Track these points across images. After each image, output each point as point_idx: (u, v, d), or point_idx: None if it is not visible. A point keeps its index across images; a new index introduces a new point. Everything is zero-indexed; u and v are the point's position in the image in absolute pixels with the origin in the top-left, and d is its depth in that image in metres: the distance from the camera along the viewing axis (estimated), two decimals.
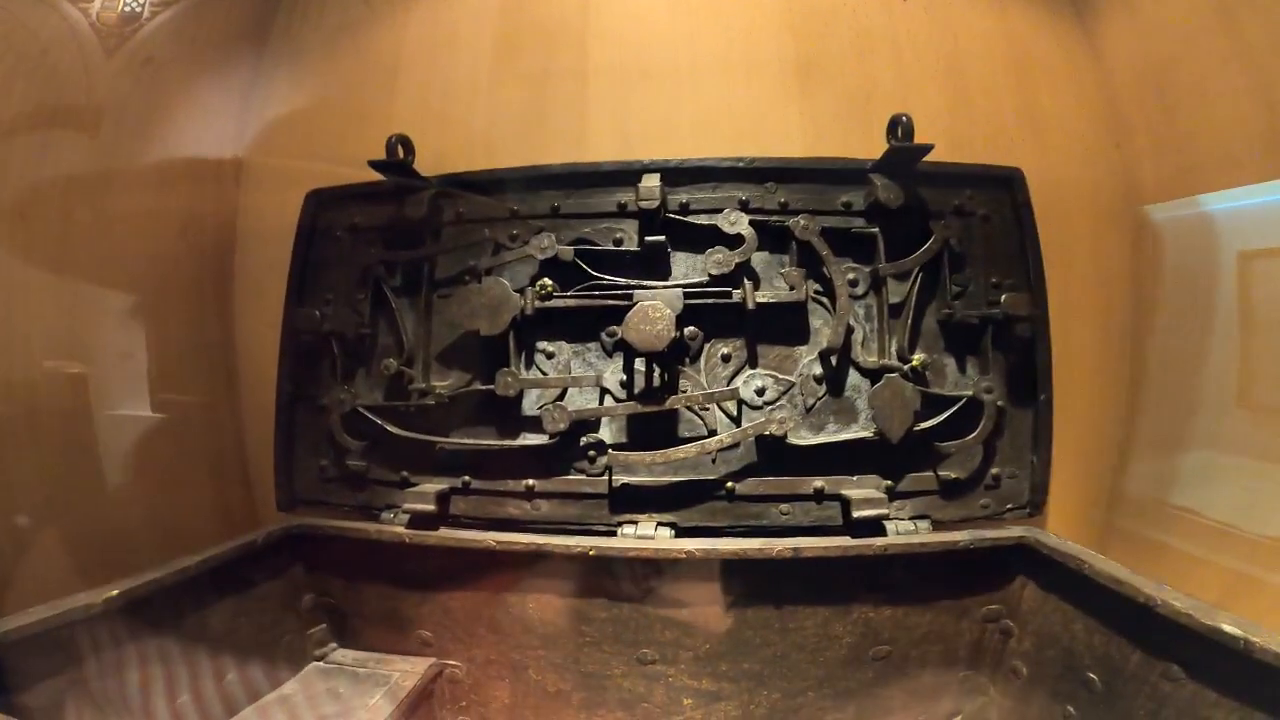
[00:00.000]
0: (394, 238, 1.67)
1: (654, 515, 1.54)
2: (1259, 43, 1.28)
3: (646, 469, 1.54)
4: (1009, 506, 1.53)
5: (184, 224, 1.71)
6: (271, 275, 1.73)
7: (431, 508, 1.51)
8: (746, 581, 1.40)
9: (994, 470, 1.53)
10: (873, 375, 1.53)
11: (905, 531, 1.44)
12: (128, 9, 1.56)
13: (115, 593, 1.17)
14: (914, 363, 1.50)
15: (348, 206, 1.70)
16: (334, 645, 1.59)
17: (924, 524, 1.47)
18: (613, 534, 1.51)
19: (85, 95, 1.52)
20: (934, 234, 1.52)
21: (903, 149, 1.47)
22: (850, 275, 1.55)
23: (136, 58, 1.58)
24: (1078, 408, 1.59)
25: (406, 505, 1.52)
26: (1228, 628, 0.97)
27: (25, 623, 1.05)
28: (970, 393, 1.51)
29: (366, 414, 1.61)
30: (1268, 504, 1.28)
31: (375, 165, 1.56)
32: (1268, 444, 1.35)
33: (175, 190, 1.71)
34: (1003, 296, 1.50)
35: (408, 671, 1.48)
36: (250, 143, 1.79)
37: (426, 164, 1.63)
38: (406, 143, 1.59)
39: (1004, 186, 1.57)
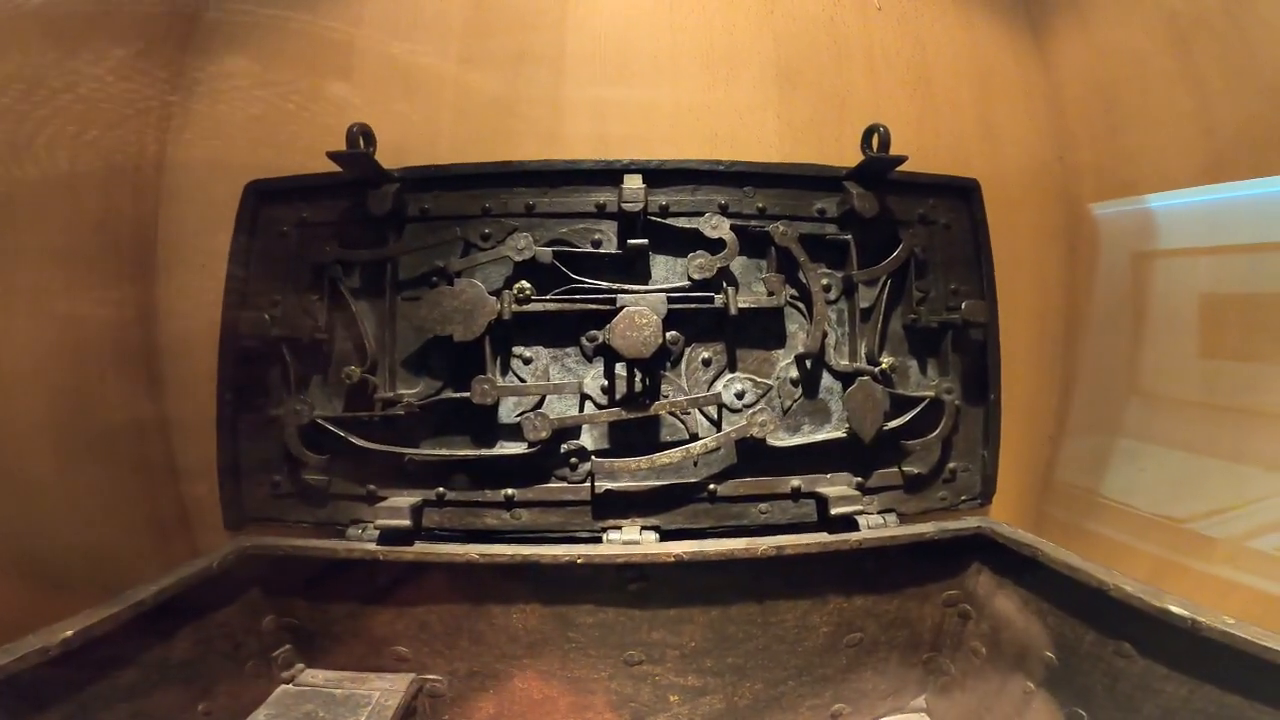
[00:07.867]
0: (351, 235, 1.54)
1: (637, 519, 1.54)
2: (1207, 69, 1.36)
3: (630, 475, 1.53)
4: (963, 498, 1.66)
5: (100, 217, 1.49)
6: (200, 273, 1.56)
7: (407, 523, 1.43)
8: (731, 579, 1.43)
9: (951, 465, 1.65)
10: (844, 378, 1.59)
11: (876, 526, 1.52)
12: None
13: (70, 633, 1.04)
14: (883, 365, 1.57)
15: (294, 200, 1.55)
16: (301, 666, 1.49)
17: (891, 517, 1.56)
18: (598, 540, 1.50)
19: None
20: (902, 242, 1.59)
21: (878, 160, 1.51)
22: (824, 281, 1.59)
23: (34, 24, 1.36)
24: (1017, 405, 1.72)
25: (379, 521, 1.44)
26: (1176, 609, 1.06)
27: None
28: (932, 393, 1.60)
29: (327, 425, 1.50)
30: (1188, 492, 1.46)
31: (334, 157, 1.42)
32: (1182, 435, 1.53)
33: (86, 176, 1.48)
34: (963, 304, 1.59)
35: (387, 690, 1.42)
36: (178, 125, 1.58)
37: (386, 155, 1.50)
38: (368, 133, 1.46)
39: (963, 197, 1.65)
